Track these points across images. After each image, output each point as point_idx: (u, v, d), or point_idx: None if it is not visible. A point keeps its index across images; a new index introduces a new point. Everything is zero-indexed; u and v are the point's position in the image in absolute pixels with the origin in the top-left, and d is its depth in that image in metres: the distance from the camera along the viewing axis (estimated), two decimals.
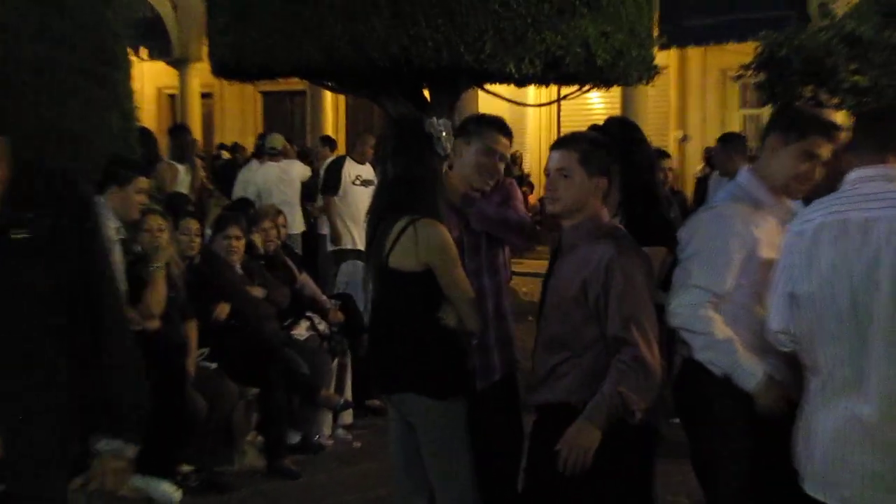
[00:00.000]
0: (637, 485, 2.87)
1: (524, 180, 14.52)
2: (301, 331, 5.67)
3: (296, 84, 11.81)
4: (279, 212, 6.40)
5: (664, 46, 9.02)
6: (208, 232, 5.73)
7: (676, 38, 11.55)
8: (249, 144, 16.33)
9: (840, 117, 6.74)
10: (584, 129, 3.24)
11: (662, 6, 9.04)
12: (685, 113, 16.10)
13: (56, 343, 2.16)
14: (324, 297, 6.10)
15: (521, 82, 6.64)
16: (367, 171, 7.90)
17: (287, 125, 17.52)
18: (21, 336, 2.10)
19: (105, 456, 2.22)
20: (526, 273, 8.84)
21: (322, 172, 8.41)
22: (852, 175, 2.53)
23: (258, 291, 5.47)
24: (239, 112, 19.67)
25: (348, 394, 5.78)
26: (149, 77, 18.13)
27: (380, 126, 13.90)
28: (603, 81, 6.87)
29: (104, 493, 2.29)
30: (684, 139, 15.69)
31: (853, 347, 2.39)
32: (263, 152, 9.02)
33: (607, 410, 2.70)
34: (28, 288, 2.10)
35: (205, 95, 18.03)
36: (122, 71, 5.71)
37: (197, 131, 14.89)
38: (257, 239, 5.88)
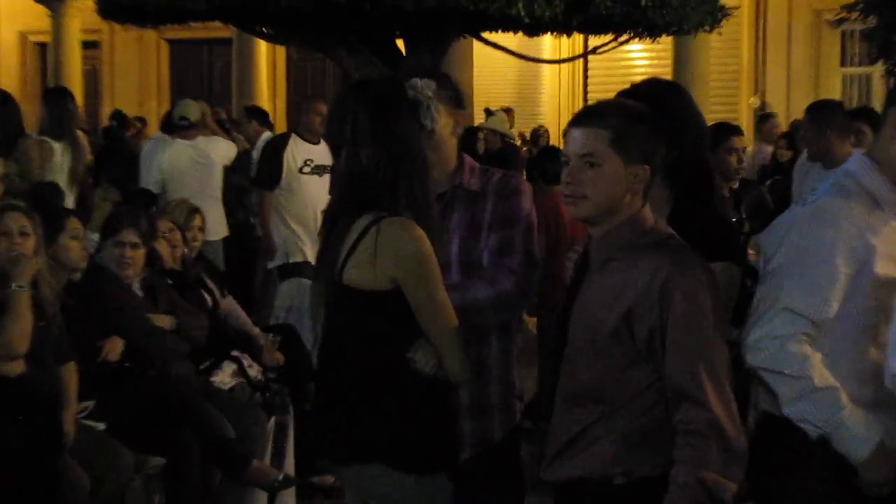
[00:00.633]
0: None
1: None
2: (225, 377, 5.66)
3: (217, 30, 11.84)
4: (195, 209, 6.42)
5: None
6: (93, 237, 5.74)
7: None
8: (151, 113, 16.35)
9: None
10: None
11: None
12: (763, 72, 16.23)
13: None
14: (257, 330, 6.11)
15: (534, 29, 6.69)
16: (320, 154, 7.85)
17: (204, 87, 17.57)
18: None
19: None
20: None
21: (256, 156, 8.39)
22: None
23: (164, 321, 5.47)
24: (136, 68, 19.69)
25: (290, 466, 5.78)
26: (7, 17, 18.14)
27: (334, 91, 13.91)
28: (648, 29, 6.93)
29: None
30: (762, 108, 15.81)
31: None
32: (171, 125, 9.03)
33: None
34: None
35: (88, 45, 18.03)
36: None
37: (78, 94, 14.85)
38: (163, 247, 5.88)
